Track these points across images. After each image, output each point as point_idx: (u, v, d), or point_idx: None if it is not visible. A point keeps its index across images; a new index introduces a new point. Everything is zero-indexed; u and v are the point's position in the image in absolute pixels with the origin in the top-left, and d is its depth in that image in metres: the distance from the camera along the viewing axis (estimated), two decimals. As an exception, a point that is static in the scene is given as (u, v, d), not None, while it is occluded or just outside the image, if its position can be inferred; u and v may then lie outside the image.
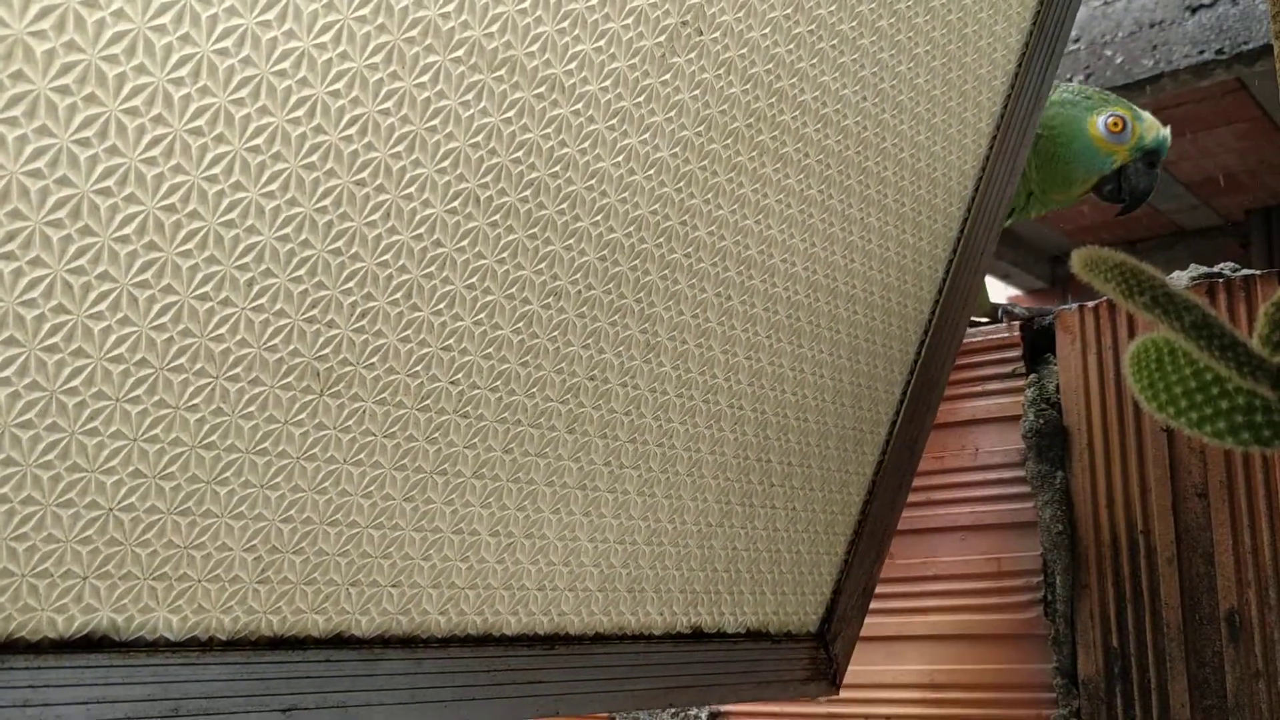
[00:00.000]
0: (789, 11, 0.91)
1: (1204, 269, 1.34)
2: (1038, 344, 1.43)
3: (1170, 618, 1.28)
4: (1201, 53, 3.29)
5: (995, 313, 1.58)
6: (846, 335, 1.10)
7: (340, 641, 0.78)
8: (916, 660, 1.42)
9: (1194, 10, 3.28)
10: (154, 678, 0.69)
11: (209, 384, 0.67)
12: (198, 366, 0.66)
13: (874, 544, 1.21)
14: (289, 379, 0.71)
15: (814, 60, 0.95)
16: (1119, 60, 3.36)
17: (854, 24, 0.98)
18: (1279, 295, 0.40)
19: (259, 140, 0.65)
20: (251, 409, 0.69)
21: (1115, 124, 1.62)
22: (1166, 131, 1.66)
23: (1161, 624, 1.28)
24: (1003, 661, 1.37)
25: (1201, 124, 3.67)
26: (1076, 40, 3.41)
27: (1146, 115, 1.66)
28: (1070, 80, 3.35)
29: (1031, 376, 1.41)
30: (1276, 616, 1.21)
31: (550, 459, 0.87)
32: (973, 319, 1.52)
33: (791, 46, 0.93)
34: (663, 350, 0.93)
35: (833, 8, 0.95)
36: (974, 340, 1.45)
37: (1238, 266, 1.33)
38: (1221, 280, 1.30)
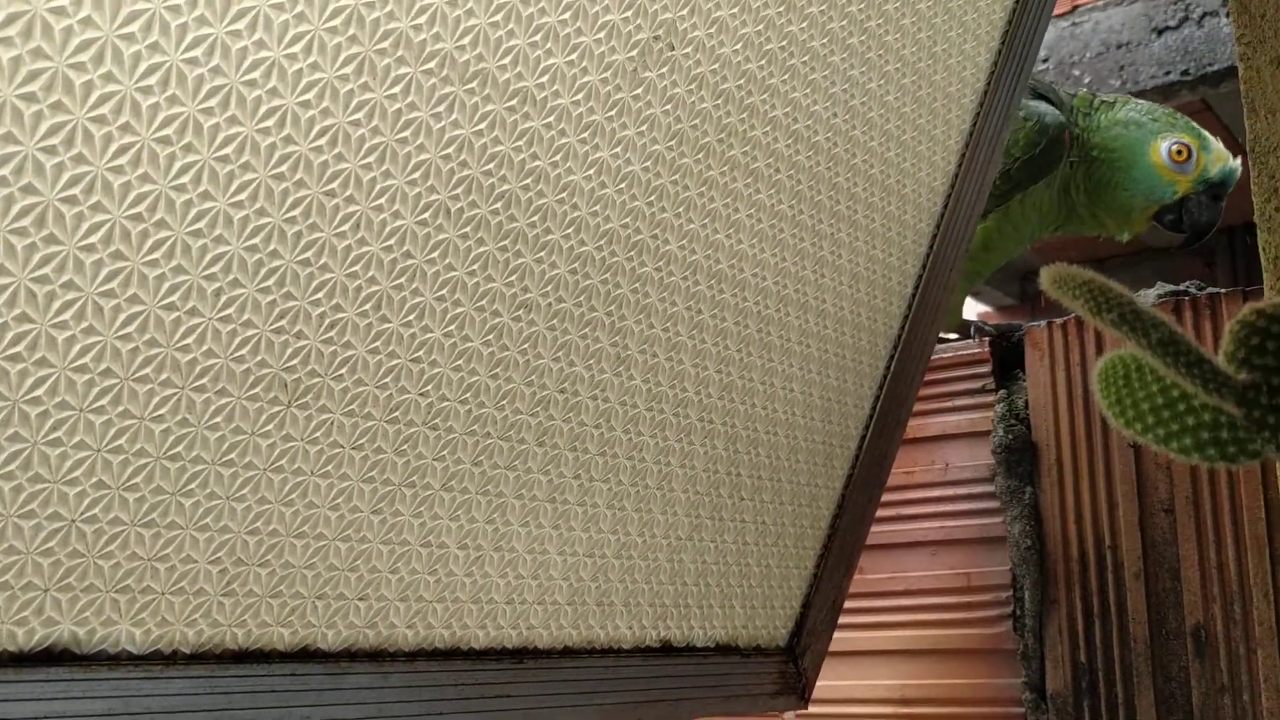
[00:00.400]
0: (760, 28, 0.92)
1: (1170, 287, 1.35)
2: (1007, 360, 1.44)
3: (1137, 633, 1.29)
4: (1168, 74, 3.33)
5: (966, 329, 1.58)
6: (817, 350, 1.11)
7: (306, 655, 0.77)
8: (886, 675, 1.43)
9: (1160, 32, 3.33)
10: (115, 691, 0.68)
11: (175, 394, 0.66)
12: (163, 377, 0.66)
13: (843, 558, 1.21)
14: (256, 390, 0.70)
15: (785, 76, 0.96)
16: (1087, 80, 3.40)
17: (825, 41, 0.98)
18: (1244, 313, 0.40)
19: (228, 150, 0.64)
20: (218, 420, 0.69)
21: (1180, 152, 1.54)
22: (1236, 163, 1.57)
23: (1129, 639, 1.29)
24: (972, 676, 1.37)
25: (1168, 143, 3.70)
26: (1045, 60, 3.44)
27: (1215, 144, 1.57)
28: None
29: (1001, 392, 1.42)
30: (1242, 631, 1.22)
31: (520, 472, 0.87)
32: (942, 335, 1.52)
33: (763, 62, 0.93)
34: (633, 364, 0.93)
35: (804, 25, 0.96)
36: (944, 356, 1.46)
37: (1203, 284, 1.35)
38: (1188, 298, 1.31)
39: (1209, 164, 1.55)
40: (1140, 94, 3.33)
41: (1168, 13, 3.40)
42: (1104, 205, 1.60)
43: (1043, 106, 1.55)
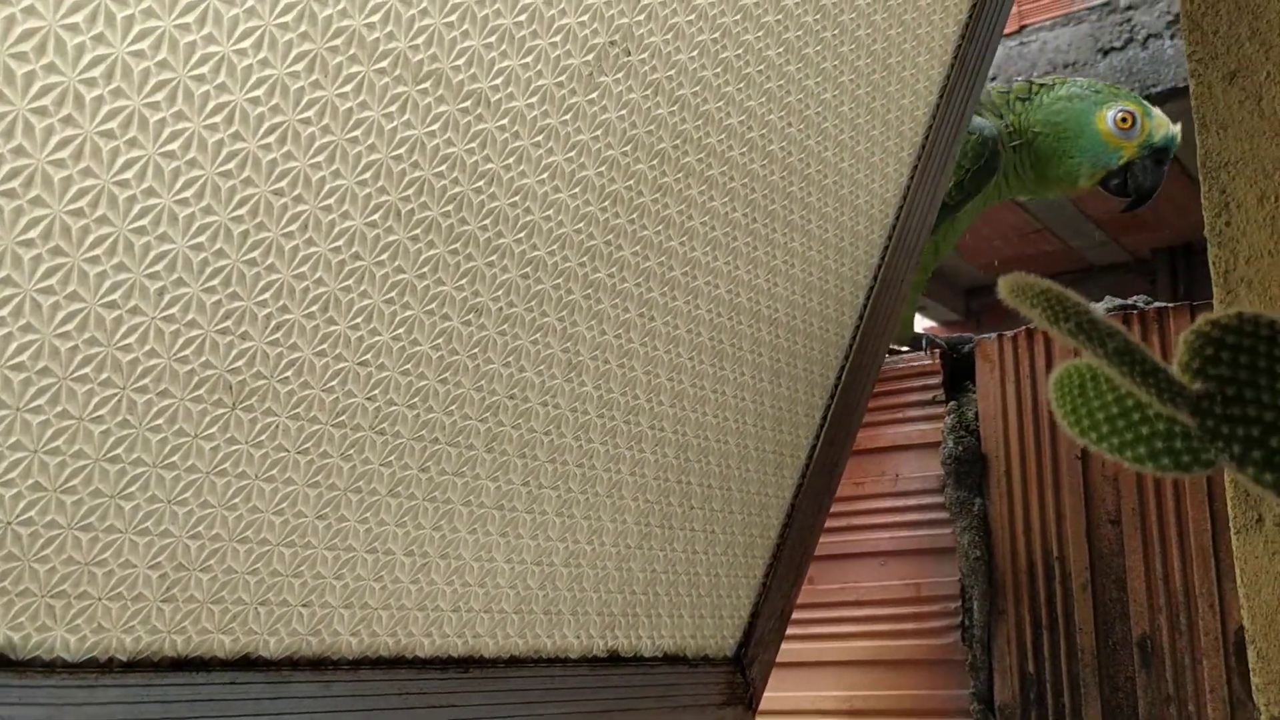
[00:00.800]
0: (717, 36, 0.92)
1: (1119, 300, 1.37)
2: (957, 372, 1.45)
3: (1084, 643, 1.30)
4: (1113, 93, 3.38)
5: (917, 341, 1.59)
6: (768, 358, 1.11)
7: (247, 663, 0.76)
8: (834, 685, 1.43)
9: (1105, 53, 3.38)
10: (50, 699, 0.66)
11: (115, 395, 0.65)
12: (103, 377, 0.64)
13: (792, 567, 1.21)
14: (200, 392, 0.68)
15: (741, 85, 0.96)
16: (1035, 98, 3.43)
17: (781, 50, 0.98)
18: (1198, 324, 0.41)
19: (174, 145, 0.63)
20: (160, 422, 0.67)
21: (1125, 120, 1.62)
22: (1176, 129, 1.67)
23: (1076, 650, 1.30)
24: (920, 687, 1.38)
25: (1113, 162, 3.76)
26: (993, 78, 3.48)
27: (1157, 112, 1.67)
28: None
29: (951, 404, 1.42)
30: (1187, 642, 1.23)
31: (468, 478, 0.86)
32: (893, 347, 1.53)
33: (719, 70, 0.93)
34: (585, 370, 0.92)
35: (760, 34, 0.96)
36: (895, 368, 1.46)
37: (1150, 299, 1.37)
38: (1135, 311, 1.33)
39: (1153, 130, 1.64)
40: (1087, 112, 3.37)
41: (1113, 34, 3.45)
42: (1051, 176, 1.68)
43: (978, 120, 1.61)
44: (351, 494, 0.79)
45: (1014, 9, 3.41)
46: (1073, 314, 0.39)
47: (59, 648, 0.67)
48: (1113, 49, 3.43)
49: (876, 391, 1.38)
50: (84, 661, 0.68)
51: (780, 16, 0.98)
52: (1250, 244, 0.89)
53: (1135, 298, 1.42)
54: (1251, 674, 0.88)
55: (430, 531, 0.85)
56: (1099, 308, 1.41)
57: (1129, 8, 3.39)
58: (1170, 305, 1.33)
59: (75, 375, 0.63)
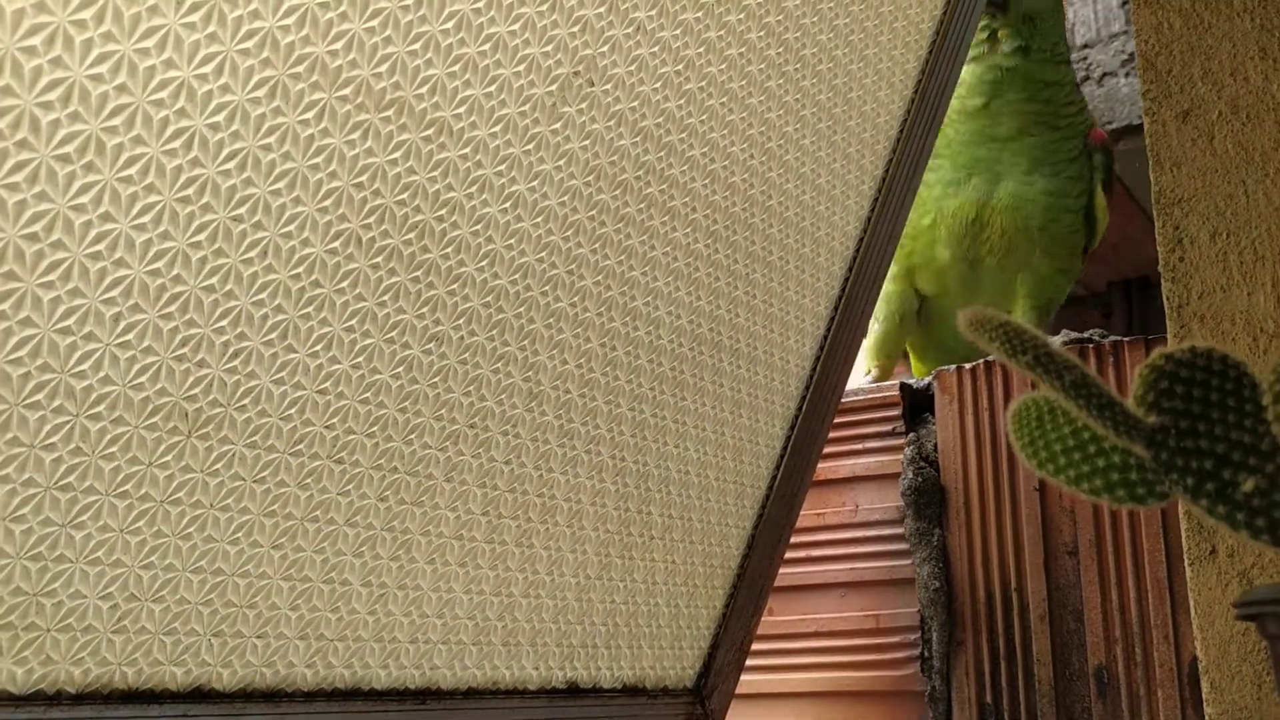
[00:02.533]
0: (680, 68, 0.92)
1: (1075, 334, 1.38)
2: (917, 403, 1.46)
3: (1042, 674, 1.30)
4: (1070, 129, 3.43)
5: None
6: (729, 389, 1.11)
7: (200, 695, 0.75)
8: (794, 716, 1.42)
9: (1063, 89, 3.43)
10: (-7, 735, 0.64)
11: (68, 422, 0.64)
12: (56, 403, 0.63)
13: (752, 598, 1.21)
14: (155, 419, 0.67)
15: (703, 116, 0.96)
16: (993, 133, 3.48)
17: (743, 83, 0.99)
18: (1152, 358, 0.41)
19: (131, 170, 0.62)
20: (113, 449, 0.66)
21: None
22: None
23: (1034, 680, 1.31)
24: (880, 718, 1.38)
25: (1069, 197, 3.82)
26: (954, 112, 3.52)
27: None
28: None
29: (910, 435, 1.43)
30: (1143, 673, 1.24)
31: (426, 507, 0.85)
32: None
33: (682, 102, 0.94)
34: (546, 399, 0.92)
35: (723, 66, 0.96)
36: (854, 399, 1.47)
37: (1105, 333, 1.38)
38: (1091, 345, 1.34)
39: None
40: (1044, 148, 3.42)
41: (1070, 71, 3.50)
42: None
43: None
44: (308, 523, 0.78)
45: (973, 46, 3.46)
46: (1030, 347, 0.40)
47: (5, 680, 0.66)
48: (1069, 86, 3.48)
49: (836, 423, 1.38)
50: (31, 694, 0.67)
51: (743, 50, 0.98)
52: (1203, 279, 0.90)
53: (1091, 331, 1.44)
54: (1205, 704, 0.89)
55: (388, 561, 0.84)
56: (1055, 341, 1.42)
57: (1085, 46, 3.45)
58: (1126, 339, 1.35)
59: (27, 402, 0.62)
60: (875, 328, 1.86)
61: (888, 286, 1.82)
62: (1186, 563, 0.90)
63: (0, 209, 0.58)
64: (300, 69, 0.68)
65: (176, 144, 0.64)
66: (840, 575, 1.43)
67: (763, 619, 1.24)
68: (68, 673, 0.68)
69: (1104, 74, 3.41)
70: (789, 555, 1.28)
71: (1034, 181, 1.75)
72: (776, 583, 1.25)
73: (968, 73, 1.73)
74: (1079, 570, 1.30)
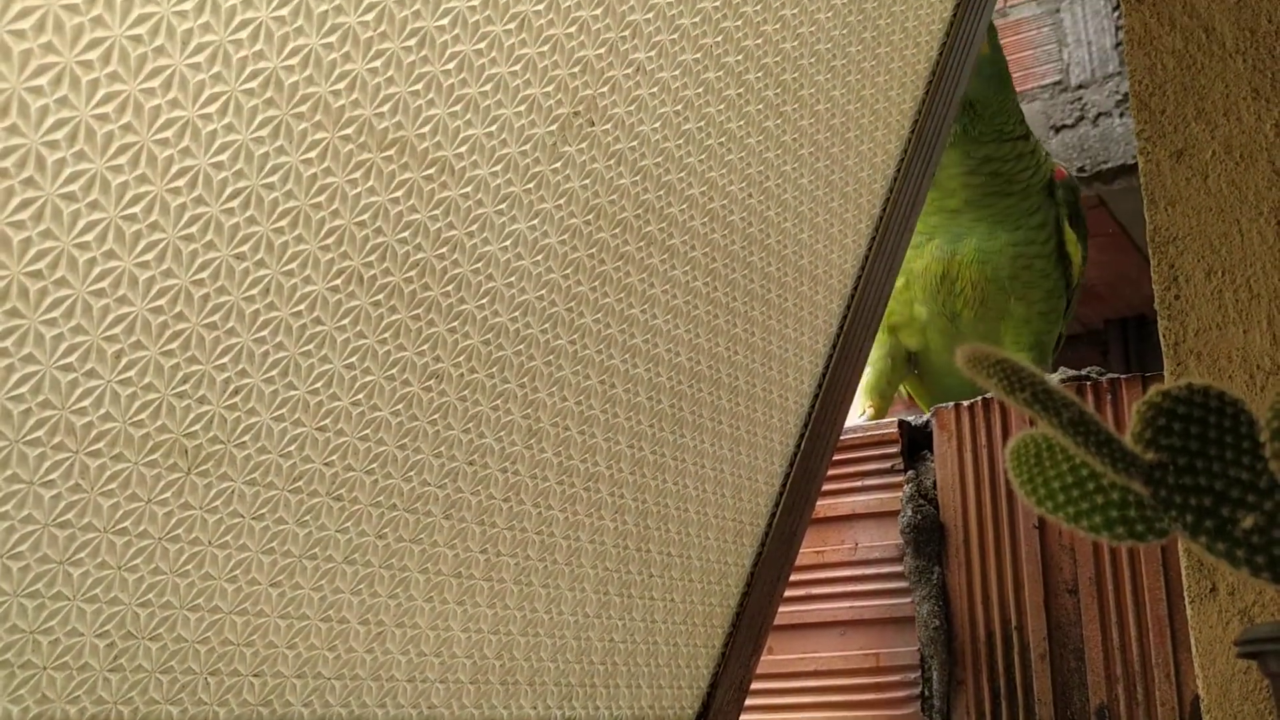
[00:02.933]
0: (679, 108, 0.93)
1: (1072, 372, 1.39)
2: (916, 440, 1.46)
3: (1043, 714, 1.30)
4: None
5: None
6: (728, 426, 1.11)
7: (196, 735, 0.74)
8: (792, 757, 1.41)
9: (1058, 130, 3.46)
10: (-12, 774, 0.64)
11: (68, 459, 0.64)
12: (56, 440, 0.63)
13: (751, 637, 1.20)
14: (154, 456, 0.68)
15: (702, 156, 0.97)
16: (989, 172, 3.51)
17: (742, 123, 1.00)
18: (1149, 395, 0.41)
19: (135, 209, 0.63)
20: (112, 486, 0.66)
21: None
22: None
23: (1032, 720, 1.30)
24: (878, 758, 1.37)
25: (1066, 236, 3.84)
26: (950, 151, 3.55)
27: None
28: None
29: (910, 473, 1.43)
30: (1144, 712, 1.24)
31: (425, 545, 0.85)
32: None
33: (681, 141, 0.94)
34: (545, 436, 0.92)
35: (721, 106, 0.97)
36: (853, 436, 1.47)
37: (1103, 370, 1.39)
38: (1089, 382, 1.35)
39: None
40: (1040, 187, 3.44)
41: (1065, 111, 3.54)
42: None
43: None
44: (306, 560, 0.78)
45: (968, 86, 3.49)
46: (1028, 384, 0.40)
47: (0, 719, 0.65)
48: (1064, 126, 3.52)
49: (835, 460, 1.38)
50: (27, 733, 0.66)
51: (742, 90, 0.99)
52: (1199, 317, 0.91)
53: (1089, 369, 1.44)
54: (1208, 745, 0.88)
55: (386, 599, 0.84)
56: (1053, 378, 1.43)
57: (1080, 86, 3.48)
58: (1123, 376, 1.35)
59: (27, 439, 0.62)
60: (869, 370, 1.88)
61: (878, 334, 1.85)
62: (1187, 601, 0.90)
63: (5, 246, 0.58)
64: (304, 109, 0.68)
65: (180, 182, 0.64)
66: (840, 613, 1.43)
67: (762, 658, 1.24)
68: (64, 711, 0.68)
69: (1099, 114, 3.43)
70: (789, 593, 1.28)
71: (997, 236, 1.77)
72: (776, 621, 1.25)
73: None
74: (1079, 608, 1.30)
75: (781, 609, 1.26)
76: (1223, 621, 0.87)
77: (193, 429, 0.69)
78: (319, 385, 0.75)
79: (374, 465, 0.80)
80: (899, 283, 1.80)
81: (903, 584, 1.38)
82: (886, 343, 1.86)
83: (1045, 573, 1.31)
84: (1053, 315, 1.83)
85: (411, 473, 0.82)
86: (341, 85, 0.70)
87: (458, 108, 0.77)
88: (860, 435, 1.47)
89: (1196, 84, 0.94)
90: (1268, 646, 0.49)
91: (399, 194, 0.75)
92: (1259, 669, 0.76)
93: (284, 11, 0.67)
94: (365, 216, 0.74)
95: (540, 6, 0.81)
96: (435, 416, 0.83)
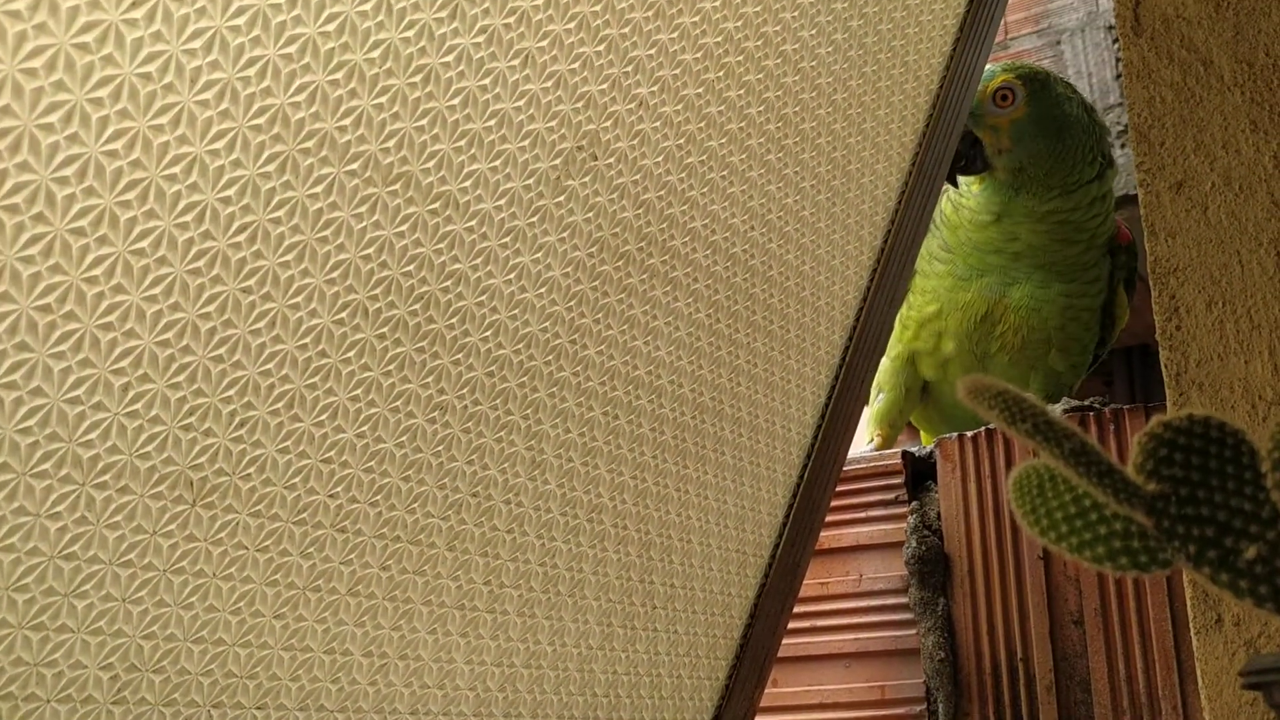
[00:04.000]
0: (681, 141, 0.94)
1: (1075, 402, 1.39)
2: (919, 471, 1.46)
3: (1046, 747, 1.29)
4: (1067, 199, 3.46)
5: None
6: (731, 457, 1.11)
7: (199, 769, 0.74)
8: (797, 791, 1.40)
9: (1059, 160, 3.47)
10: (-9, 808, 0.64)
11: (74, 491, 0.64)
12: (63, 472, 0.63)
13: (755, 669, 1.20)
14: (160, 488, 0.68)
15: (704, 189, 0.98)
16: (991, 203, 3.52)
17: (743, 157, 1.01)
18: (1151, 425, 0.42)
19: (144, 243, 0.63)
20: (118, 519, 0.66)
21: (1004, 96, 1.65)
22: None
23: (1037, 753, 1.29)
24: (883, 791, 1.36)
25: (1067, 266, 3.85)
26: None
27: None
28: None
29: (914, 503, 1.43)
30: (1148, 745, 1.23)
31: (429, 577, 0.85)
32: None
33: (683, 175, 0.95)
34: (549, 468, 0.92)
35: (723, 140, 0.98)
36: (857, 467, 1.47)
37: (1106, 400, 1.39)
38: (1092, 412, 1.35)
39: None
40: (1041, 218, 3.45)
41: (1066, 142, 3.55)
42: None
43: None
44: (310, 593, 0.78)
45: (969, 118, 3.51)
46: (1029, 415, 0.40)
47: (5, 752, 0.65)
48: (1065, 157, 3.52)
49: (839, 491, 1.38)
50: (30, 767, 0.66)
51: (744, 124, 1.00)
52: (1200, 347, 0.91)
53: (1092, 399, 1.44)
54: (1215, 777, 0.88)
55: (389, 631, 0.83)
56: (1056, 409, 1.43)
57: (1080, 118, 3.48)
58: (1126, 407, 1.35)
59: (35, 471, 0.62)
60: (880, 397, 1.85)
61: (892, 362, 1.83)
62: (1192, 632, 0.90)
63: (14, 281, 0.59)
64: (310, 144, 0.69)
65: (188, 217, 0.65)
66: (845, 646, 1.42)
67: (766, 690, 1.23)
68: (68, 745, 0.68)
69: (1099, 145, 3.44)
70: (792, 625, 1.28)
71: (1051, 285, 1.73)
72: (780, 653, 1.25)
73: (977, 186, 1.73)
74: (1085, 640, 1.29)
75: (785, 641, 1.26)
76: (1229, 653, 0.87)
77: (198, 461, 0.69)
78: (324, 418, 0.75)
79: (378, 497, 0.80)
80: (930, 309, 1.76)
81: (908, 615, 1.38)
82: (903, 371, 1.82)
83: (1050, 604, 1.31)
84: (1079, 369, 1.80)
85: (415, 505, 0.83)
86: (347, 121, 0.71)
87: (462, 143, 0.77)
88: (864, 466, 1.47)
89: (1195, 116, 0.95)
90: (1273, 677, 0.49)
91: (404, 228, 0.76)
92: (1264, 700, 0.75)
93: (291, 49, 0.67)
94: (370, 250, 0.74)
95: (544, 43, 0.82)
96: (439, 449, 0.83)
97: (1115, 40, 3.10)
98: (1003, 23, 2.77)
